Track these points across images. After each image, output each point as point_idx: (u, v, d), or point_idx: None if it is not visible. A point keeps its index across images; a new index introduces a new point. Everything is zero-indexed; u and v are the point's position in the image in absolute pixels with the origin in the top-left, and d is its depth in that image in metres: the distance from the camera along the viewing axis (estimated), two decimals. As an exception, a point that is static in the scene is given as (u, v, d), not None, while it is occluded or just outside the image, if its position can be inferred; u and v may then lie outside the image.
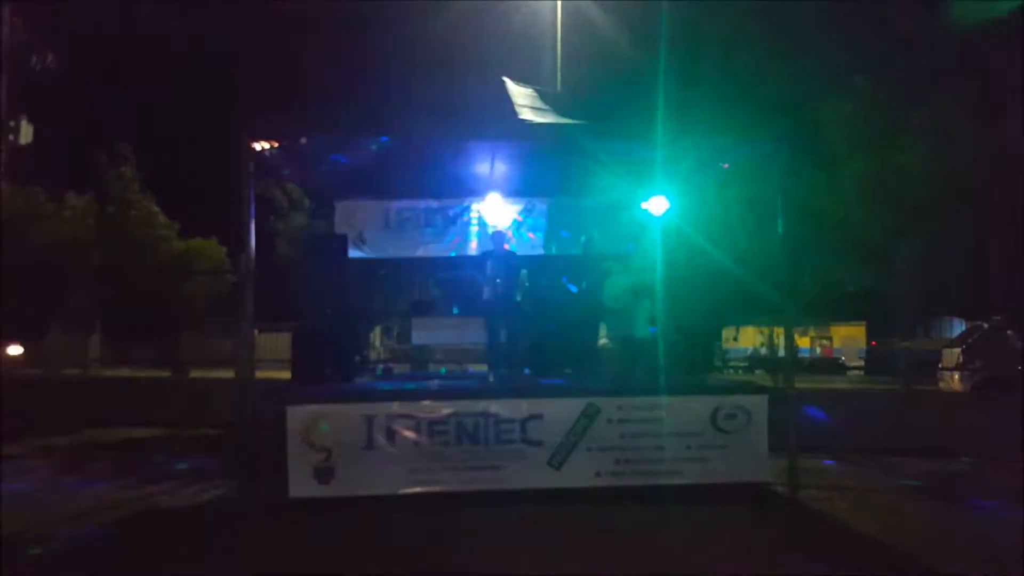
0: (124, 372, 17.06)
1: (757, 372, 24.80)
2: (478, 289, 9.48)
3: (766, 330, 23.27)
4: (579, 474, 7.22)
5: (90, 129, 21.49)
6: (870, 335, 29.07)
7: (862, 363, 28.78)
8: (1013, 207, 13.92)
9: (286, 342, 8.92)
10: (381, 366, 10.53)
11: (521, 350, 9.35)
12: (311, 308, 8.67)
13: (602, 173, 9.14)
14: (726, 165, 9.12)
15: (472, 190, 10.66)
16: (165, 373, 16.12)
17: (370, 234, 10.85)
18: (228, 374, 11.40)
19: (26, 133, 22.71)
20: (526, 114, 8.04)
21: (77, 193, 19.16)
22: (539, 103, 8.48)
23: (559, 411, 7.27)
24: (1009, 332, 15.54)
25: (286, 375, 8.98)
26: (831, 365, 28.06)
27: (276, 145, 7.88)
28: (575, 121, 8.06)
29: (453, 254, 10.93)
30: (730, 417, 7.40)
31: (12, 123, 22.36)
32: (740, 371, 26.48)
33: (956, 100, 14.26)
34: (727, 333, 29.12)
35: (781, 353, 14.95)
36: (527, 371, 9.29)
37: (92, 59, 23.86)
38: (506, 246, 9.87)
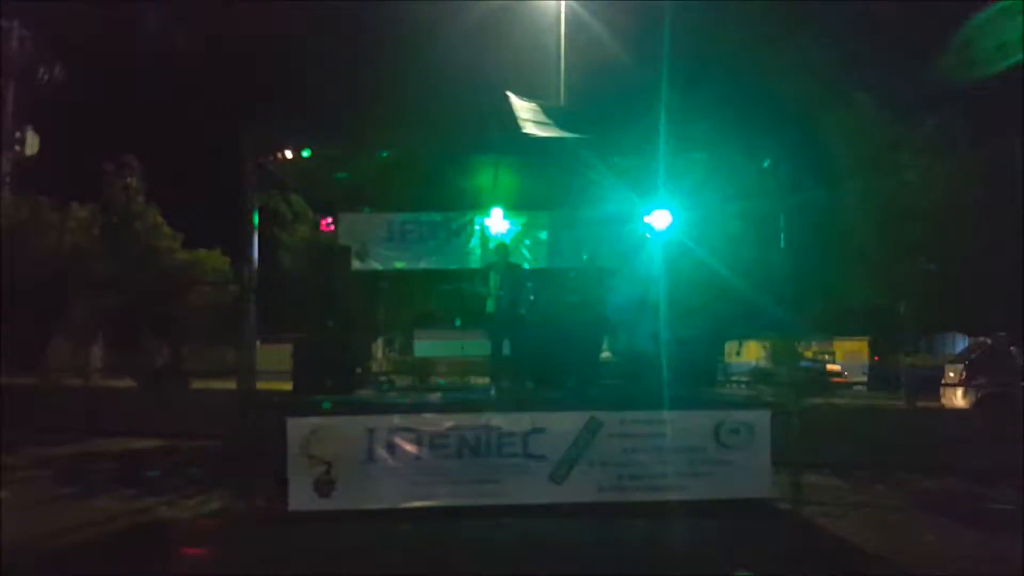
0: (126, 382, 17.05)
1: (760, 387, 24.67)
2: (481, 302, 9.47)
3: (769, 345, 23.19)
4: (581, 489, 7.17)
5: (95, 140, 21.59)
6: (873, 350, 28.95)
7: (865, 378, 28.64)
8: (1015, 222, 13.90)
9: (288, 353, 8.90)
10: (384, 379, 10.50)
11: (523, 363, 9.32)
12: (313, 319, 8.66)
13: (605, 186, 9.16)
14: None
15: (475, 203, 10.67)
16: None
17: (373, 246, 10.85)
18: (229, 385, 11.38)
19: (32, 144, 22.86)
20: (529, 128, 8.07)
21: (82, 204, 19.23)
22: (542, 117, 8.52)
23: (561, 425, 7.24)
24: (1012, 348, 15.47)
25: (288, 387, 8.96)
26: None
27: (280, 157, 7.92)
28: (578, 135, 8.09)
29: (456, 267, 10.92)
30: (733, 432, 7.37)
31: (18, 134, 22.52)
32: (743, 386, 26.34)
33: (958, 116, 14.30)
34: (730, 347, 28.99)
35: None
36: (529, 384, 9.26)
37: (98, 71, 24.00)
38: (509, 259, 9.86)
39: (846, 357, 29.48)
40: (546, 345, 9.47)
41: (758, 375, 26.52)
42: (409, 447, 7.03)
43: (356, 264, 10.13)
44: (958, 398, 15.17)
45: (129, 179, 19.80)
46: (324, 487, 6.91)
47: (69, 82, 23.66)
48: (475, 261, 10.89)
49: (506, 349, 9.22)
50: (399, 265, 11.01)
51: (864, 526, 6.96)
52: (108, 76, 24.39)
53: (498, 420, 7.19)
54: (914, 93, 14.91)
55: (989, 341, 16.28)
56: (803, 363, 24.44)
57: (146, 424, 12.18)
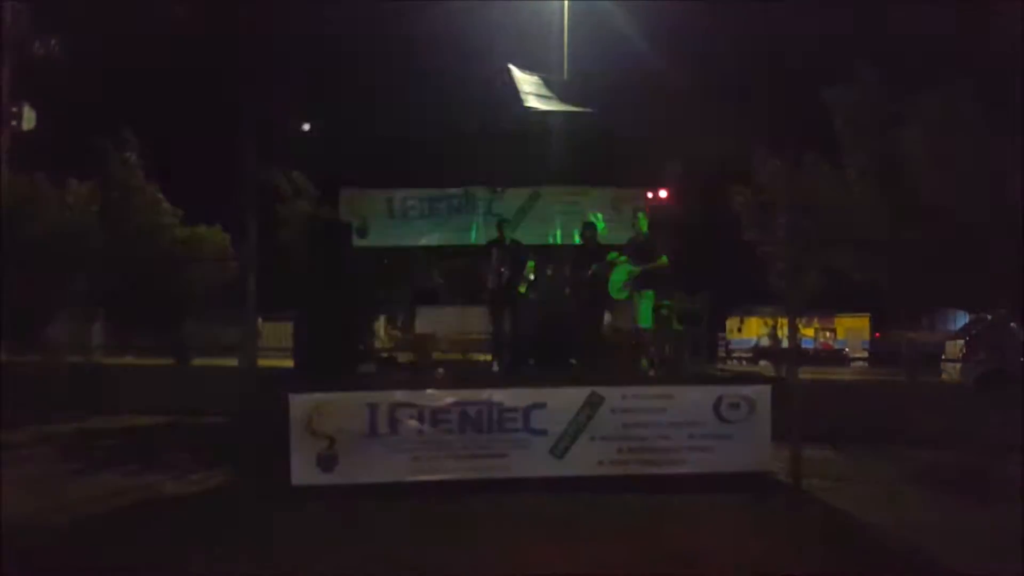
0: (128, 359, 17.11)
1: (761, 363, 24.77)
2: (482, 278, 9.45)
3: (770, 321, 23.23)
4: (582, 463, 7.22)
5: (93, 115, 21.41)
6: (874, 326, 29.00)
7: (866, 354, 28.73)
8: (1016, 198, 13.84)
9: (290, 330, 8.92)
10: (385, 355, 10.52)
11: (525, 339, 9.33)
12: (315, 296, 8.67)
13: (608, 161, 9.10)
14: None
15: (477, 179, 10.60)
16: (169, 361, 16.14)
17: (374, 223, 10.80)
18: (232, 362, 11.41)
19: (28, 119, 22.65)
20: (532, 101, 8.01)
21: (80, 179, 19.12)
22: (545, 90, 8.46)
23: (563, 400, 7.27)
24: (1012, 324, 15.51)
25: (290, 363, 8.99)
26: (835, 356, 28.02)
27: (280, 132, 7.87)
28: (581, 108, 8.03)
29: (457, 243, 10.88)
30: (733, 407, 7.40)
31: (14, 109, 22.31)
32: (744, 362, 26.45)
33: (960, 90, 14.17)
34: (731, 324, 29.06)
35: (785, 344, 14.92)
36: (531, 360, 9.27)
37: (95, 44, 23.75)
38: (510, 235, 9.80)
39: (848, 333, 29.53)
40: (548, 321, 9.48)
41: (759, 351, 26.63)
42: (411, 422, 7.07)
43: (357, 241, 10.10)
44: (958, 373, 15.25)
45: (127, 154, 19.67)
46: (327, 462, 6.96)
47: (66, 56, 23.40)
48: (477, 237, 10.85)
49: (508, 325, 9.23)
50: (400, 242, 10.96)
51: (863, 499, 7.00)
52: (106, 49, 24.11)
53: (500, 395, 7.22)
54: (919, 66, 14.76)
55: (990, 317, 16.33)
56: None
57: (148, 401, 12.22)
